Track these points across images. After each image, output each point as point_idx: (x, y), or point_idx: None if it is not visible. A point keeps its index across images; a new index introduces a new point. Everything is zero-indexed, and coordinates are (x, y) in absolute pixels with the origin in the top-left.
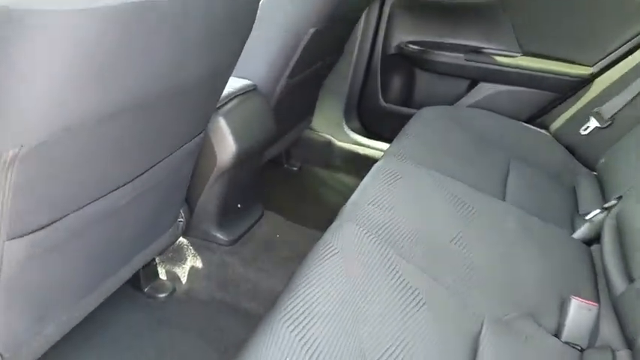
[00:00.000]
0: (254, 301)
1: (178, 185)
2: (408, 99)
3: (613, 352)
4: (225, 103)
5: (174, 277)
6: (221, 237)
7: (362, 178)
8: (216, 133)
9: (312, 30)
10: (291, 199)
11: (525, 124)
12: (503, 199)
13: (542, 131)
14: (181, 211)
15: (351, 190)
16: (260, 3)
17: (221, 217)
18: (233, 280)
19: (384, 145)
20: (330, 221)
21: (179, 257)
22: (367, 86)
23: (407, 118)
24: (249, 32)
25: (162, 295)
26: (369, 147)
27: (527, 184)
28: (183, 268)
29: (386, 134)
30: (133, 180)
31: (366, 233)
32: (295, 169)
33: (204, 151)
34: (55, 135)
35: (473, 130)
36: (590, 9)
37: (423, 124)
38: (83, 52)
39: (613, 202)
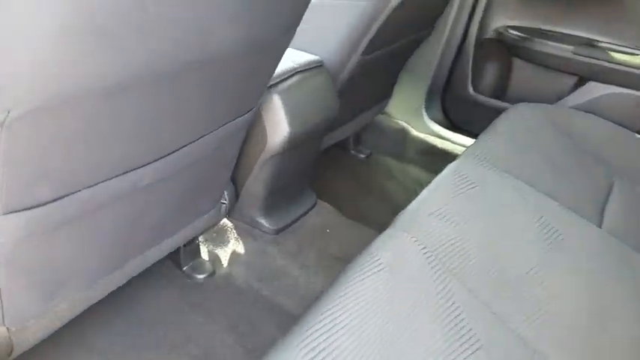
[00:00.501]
0: (291, 299)
1: (220, 166)
2: (502, 91)
3: None
4: (284, 80)
5: (215, 259)
6: (265, 224)
7: (436, 174)
8: (269, 113)
9: (395, 1)
10: (352, 191)
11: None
12: (600, 225)
13: None
14: (225, 192)
15: (423, 189)
16: None
17: (268, 203)
18: (272, 272)
19: (468, 141)
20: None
21: (222, 239)
22: (456, 72)
23: (498, 112)
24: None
25: (200, 277)
26: (449, 141)
27: (633, 210)
28: (225, 251)
29: (471, 128)
30: (156, 160)
31: (422, 249)
32: (363, 156)
33: (255, 130)
34: (49, 103)
35: (574, 137)
36: None
37: (515, 122)
38: (83, 5)
39: None
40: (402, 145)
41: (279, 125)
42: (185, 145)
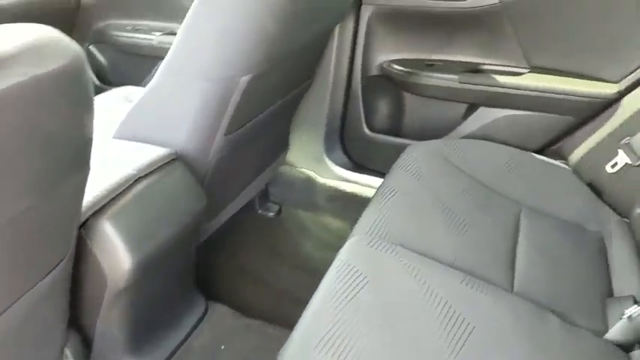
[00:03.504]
0: None
1: (28, 339)
2: (398, 127)
3: None
4: (117, 197)
5: None
6: None
7: (349, 220)
8: (100, 246)
9: (245, 78)
10: (260, 264)
11: (540, 157)
12: (512, 286)
13: (561, 165)
14: (67, 350)
15: (340, 240)
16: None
17: (132, 341)
18: None
19: (374, 181)
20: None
21: None
22: (349, 113)
23: (397, 148)
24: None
25: None
26: (356, 183)
27: (542, 251)
28: None
29: (375, 167)
30: None
31: None
32: (272, 214)
33: (87, 270)
34: None
35: (472, 170)
36: (614, 12)
37: (409, 171)
38: None
39: None
40: (310, 194)
41: (116, 258)
42: None
